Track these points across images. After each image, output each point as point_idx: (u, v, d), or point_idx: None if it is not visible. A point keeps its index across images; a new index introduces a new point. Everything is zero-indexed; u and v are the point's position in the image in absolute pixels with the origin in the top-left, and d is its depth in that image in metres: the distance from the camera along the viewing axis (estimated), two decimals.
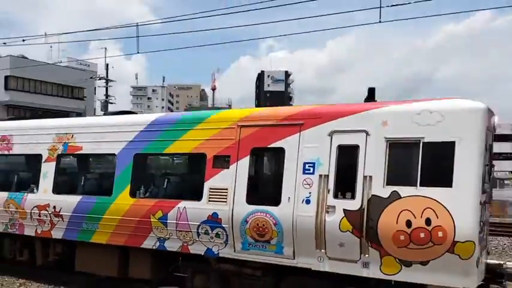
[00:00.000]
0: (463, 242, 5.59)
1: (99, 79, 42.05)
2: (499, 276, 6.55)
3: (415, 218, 5.83)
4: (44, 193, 9.27)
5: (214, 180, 7.38)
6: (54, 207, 8.97)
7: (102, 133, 8.83)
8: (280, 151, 7.03)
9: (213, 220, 7.27)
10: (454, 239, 5.62)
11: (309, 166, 6.66)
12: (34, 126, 10.24)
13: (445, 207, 5.70)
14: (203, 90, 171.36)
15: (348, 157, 6.46)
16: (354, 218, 6.18)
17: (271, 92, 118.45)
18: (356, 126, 6.45)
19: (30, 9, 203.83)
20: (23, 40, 18.82)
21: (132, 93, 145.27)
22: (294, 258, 6.67)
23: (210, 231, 7.32)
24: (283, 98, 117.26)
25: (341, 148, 6.53)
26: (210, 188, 7.39)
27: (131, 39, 17.44)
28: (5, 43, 19.87)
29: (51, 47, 74.24)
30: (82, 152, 9.16)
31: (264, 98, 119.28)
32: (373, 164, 6.22)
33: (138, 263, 8.24)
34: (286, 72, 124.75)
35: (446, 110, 5.99)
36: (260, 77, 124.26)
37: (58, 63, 56.75)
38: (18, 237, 9.84)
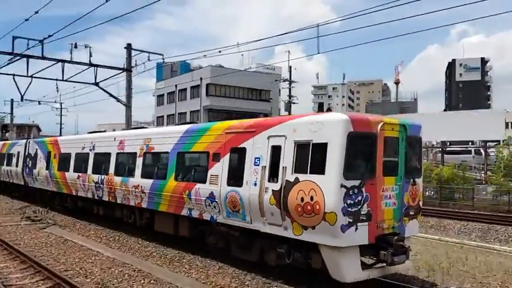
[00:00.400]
0: (329, 213, 7.95)
1: (283, 81, 44.27)
2: (390, 245, 8.38)
3: (305, 195, 8.31)
4: (137, 177, 13.46)
5: (212, 170, 10.60)
6: (142, 186, 13.06)
7: (163, 138, 12.90)
8: (244, 150, 9.92)
9: (211, 197, 10.47)
10: (324, 210, 7.99)
11: (257, 160, 9.49)
12: (134, 134, 14.94)
13: (320, 188, 8.11)
14: (385, 84, 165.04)
15: (275, 154, 9.14)
16: (277, 196, 8.84)
17: (464, 82, 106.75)
18: (280, 132, 9.18)
19: (224, 24, 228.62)
20: (219, 51, 20.91)
21: (313, 92, 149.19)
22: (251, 223, 9.54)
23: (210, 204, 10.54)
24: (479, 88, 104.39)
25: (272, 147, 9.24)
26: (211, 175, 10.62)
27: (312, 40, 17.76)
28: (205, 55, 22.41)
29: (242, 55, 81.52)
30: (154, 151, 13.25)
31: (456, 89, 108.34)
32: (287, 159, 8.83)
33: (181, 225, 12.04)
34: (482, 59, 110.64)
35: (323, 120, 8.56)
36: (451, 66, 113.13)
37: (248, 69, 62.05)
38: (126, 207, 14.45)
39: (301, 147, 8.66)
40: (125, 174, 14.16)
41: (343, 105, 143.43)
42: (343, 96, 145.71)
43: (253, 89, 62.95)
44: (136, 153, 13.77)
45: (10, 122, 49.39)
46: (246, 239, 10.04)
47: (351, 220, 8.05)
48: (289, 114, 41.49)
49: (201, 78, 59.34)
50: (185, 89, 64.95)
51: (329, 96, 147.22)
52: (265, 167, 9.24)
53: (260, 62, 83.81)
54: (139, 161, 13.59)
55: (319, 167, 8.22)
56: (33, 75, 19.95)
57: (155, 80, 72.47)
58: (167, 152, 12.40)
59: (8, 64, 19.40)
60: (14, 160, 24.39)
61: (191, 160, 12.44)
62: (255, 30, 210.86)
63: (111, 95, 22.48)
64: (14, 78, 20.05)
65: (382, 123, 8.61)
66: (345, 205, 7.98)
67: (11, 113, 47.96)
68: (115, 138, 15.46)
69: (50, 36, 18.10)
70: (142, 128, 17.71)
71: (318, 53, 19.37)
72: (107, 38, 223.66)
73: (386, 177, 8.70)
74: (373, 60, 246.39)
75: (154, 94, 75.54)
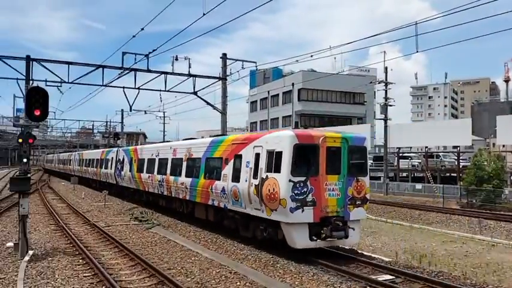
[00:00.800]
0: (282, 199, 11.42)
1: (378, 83, 42.70)
2: (330, 224, 11.65)
3: (271, 188, 11.79)
4: (182, 177, 17.66)
5: (224, 170, 14.42)
6: (185, 183, 17.28)
7: (198, 147, 17.04)
8: (241, 156, 13.57)
9: (223, 190, 14.23)
10: (279, 197, 11.46)
11: (247, 163, 13.04)
12: (182, 143, 19.57)
13: (278, 182, 11.61)
14: (493, 83, 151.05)
15: (257, 159, 12.62)
16: (257, 188, 12.33)
17: None
18: (259, 143, 12.77)
19: (316, 28, 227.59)
20: (311, 56, 20.82)
21: (412, 93, 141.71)
22: (245, 209, 13.09)
23: (223, 196, 14.27)
24: None
25: (255, 154, 12.73)
26: (223, 174, 14.43)
27: (410, 39, 16.90)
28: (297, 61, 22.52)
29: (335, 58, 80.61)
30: (193, 157, 17.23)
31: None
32: (263, 162, 12.32)
33: (209, 212, 16.16)
34: None
35: (280, 135, 12.41)
36: None
37: (341, 73, 60.98)
38: (178, 199, 18.65)
39: (269, 154, 12.27)
40: (176, 174, 18.42)
41: (445, 106, 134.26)
42: (445, 97, 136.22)
43: (346, 92, 61.67)
44: (182, 158, 18.10)
45: (121, 131, 54.12)
46: (244, 221, 13.79)
47: (298, 204, 11.52)
48: (385, 117, 39.91)
49: (292, 84, 59.57)
50: (277, 95, 65.72)
51: (429, 97, 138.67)
52: (251, 168, 12.87)
53: (353, 64, 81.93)
54: (184, 164, 17.84)
55: (277, 168, 11.85)
56: (140, 87, 21.57)
57: (249, 87, 74.40)
58: (200, 158, 16.51)
59: (118, 78, 21.18)
60: (109, 164, 29.78)
61: (213, 163, 15.76)
62: (348, 32, 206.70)
63: (208, 103, 23.55)
64: (123, 91, 21.80)
65: (323, 137, 11.98)
66: (293, 194, 11.48)
67: (122, 122, 52.58)
68: (171, 147, 19.87)
69: (154, 50, 19.50)
70: (190, 139, 21.22)
71: (417, 51, 18.34)
72: (204, 49, 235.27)
73: (329, 175, 11.96)
74: (478, 57, 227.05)
75: (247, 101, 77.66)
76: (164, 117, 60.84)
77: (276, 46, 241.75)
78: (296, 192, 11.47)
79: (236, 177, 13.52)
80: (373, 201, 30.43)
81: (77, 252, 12.37)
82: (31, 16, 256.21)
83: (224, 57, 23.39)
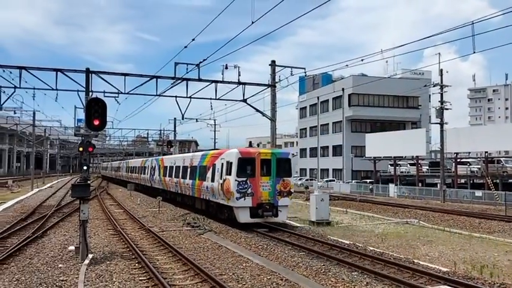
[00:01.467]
0: (231, 192, 17.82)
1: (433, 86, 41.14)
2: (262, 207, 18.01)
3: (227, 185, 18.20)
4: (188, 179, 24.11)
5: (207, 174, 20.68)
6: (189, 184, 23.72)
7: (196, 158, 23.59)
8: (215, 164, 19.92)
9: (207, 188, 20.59)
10: (231, 191, 17.83)
11: (218, 169, 19.40)
12: (189, 155, 25.85)
13: (230, 182, 17.97)
14: None
15: (222, 166, 19.00)
16: (222, 186, 18.68)
17: None
18: (223, 157, 19.32)
19: (366, 32, 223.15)
20: (362, 60, 20.50)
21: (470, 96, 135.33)
22: (218, 200, 19.50)
23: (207, 191, 20.71)
24: None
25: (221, 163, 19.12)
26: (207, 177, 20.68)
27: (467, 39, 16.22)
28: (347, 65, 22.21)
29: (386, 61, 78.44)
30: (193, 165, 23.48)
31: None
32: (225, 169, 18.67)
33: (202, 204, 22.58)
34: None
35: (231, 152, 18.93)
36: None
37: (393, 76, 59.33)
38: (187, 196, 25.38)
39: (227, 163, 18.64)
40: (184, 177, 24.96)
41: (506, 108, 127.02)
42: (506, 99, 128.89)
43: (399, 96, 60.00)
44: (187, 166, 24.73)
45: (174, 138, 55.66)
46: (219, 208, 20.22)
47: (242, 195, 17.79)
48: (441, 121, 38.38)
49: (342, 89, 58.85)
50: (327, 101, 65.05)
51: (489, 100, 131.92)
52: (219, 173, 19.24)
53: (406, 68, 79.46)
54: (188, 170, 24.38)
55: (230, 172, 18.19)
56: (192, 96, 22.14)
57: (298, 94, 74.18)
58: (196, 166, 23.12)
59: (171, 87, 21.87)
60: (146, 171, 37.02)
61: (202, 170, 21.99)
62: (400, 34, 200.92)
63: (257, 110, 23.72)
64: (176, 100, 22.47)
65: (258, 153, 18.46)
66: (238, 189, 17.75)
67: (174, 130, 54.05)
68: (182, 158, 26.74)
69: (204, 60, 20.00)
70: (198, 151, 30.58)
71: (474, 52, 17.53)
72: (253, 57, 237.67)
73: (263, 177, 18.15)
74: None
75: (297, 107, 77.42)
76: (215, 124, 61.89)
77: (325, 51, 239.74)
78: (240, 187, 17.95)
79: (213, 179, 20.09)
80: (429, 208, 29.33)
81: (133, 257, 12.81)
82: (90, 30, 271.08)
83: (273, 64, 23.52)
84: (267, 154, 18.52)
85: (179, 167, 26.34)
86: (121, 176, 52.75)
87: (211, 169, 20.39)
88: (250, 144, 24.70)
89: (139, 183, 40.32)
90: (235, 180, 17.77)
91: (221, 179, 18.83)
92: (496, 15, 16.62)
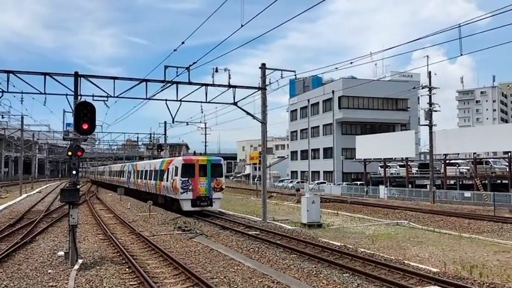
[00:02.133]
0: (178, 188, 24.46)
1: (422, 88, 41.55)
2: (200, 198, 24.67)
3: (175, 183, 24.87)
4: (152, 180, 30.29)
5: (164, 176, 27.15)
6: (153, 183, 30.09)
7: (157, 163, 30.07)
8: (169, 168, 26.29)
9: (164, 186, 27.12)
10: (177, 187, 24.44)
11: (170, 172, 25.89)
12: (153, 161, 32.94)
13: (177, 181, 24.56)
14: None
15: (173, 170, 25.53)
16: (172, 184, 25.37)
17: None
18: (173, 163, 26.04)
19: (355, 35, 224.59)
20: (351, 63, 20.56)
21: (458, 98, 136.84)
22: (170, 195, 26.24)
23: (165, 189, 27.12)
24: None
25: (172, 168, 25.68)
26: (164, 178, 27.12)
27: (455, 41, 16.38)
28: (336, 68, 22.33)
29: (376, 64, 79.07)
30: (156, 169, 29.66)
31: None
32: (175, 172, 25.12)
33: (163, 199, 28.56)
34: None
35: (178, 160, 26.19)
36: None
37: (382, 79, 59.75)
38: (151, 194, 30.59)
39: (175, 168, 24.80)
40: (151, 179, 30.86)
41: (494, 110, 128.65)
42: (494, 101, 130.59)
43: (388, 98, 60.39)
44: (153, 170, 30.58)
45: (164, 142, 55.42)
46: (172, 201, 26.27)
47: (185, 190, 24.11)
48: (430, 122, 38.73)
49: (333, 91, 59.09)
50: (317, 103, 65.30)
51: (477, 102, 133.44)
52: (171, 174, 25.23)
53: (395, 70, 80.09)
54: (153, 173, 30.23)
55: (177, 174, 24.44)
56: (182, 99, 21.99)
57: (288, 96, 74.33)
58: (157, 169, 29.12)
59: (161, 91, 21.68)
60: (124, 174, 43.12)
61: (161, 172, 27.96)
62: (389, 37, 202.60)
63: (248, 113, 23.71)
64: (166, 103, 22.25)
65: (197, 160, 25.07)
66: (182, 186, 24.04)
67: (165, 134, 53.78)
68: (149, 164, 33.04)
69: (194, 63, 19.89)
70: (158, 158, 37.51)
71: (461, 54, 17.71)
72: (243, 60, 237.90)
73: (200, 177, 24.39)
74: None
75: (287, 110, 77.60)
76: (205, 128, 61.80)
77: (315, 54, 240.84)
78: (183, 185, 24.26)
79: (167, 179, 26.31)
80: (419, 209, 29.55)
81: (124, 261, 12.72)
82: (79, 34, 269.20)
83: (263, 67, 23.56)
84: (204, 161, 25.33)
85: (147, 171, 32.50)
86: (105, 180, 58.83)
87: (166, 172, 26.86)
88: (195, 153, 35.25)
89: (118, 185, 44.96)
90: (180, 179, 24.32)
91: (172, 179, 25.48)
92: (483, 17, 16.88)
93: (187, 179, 24.33)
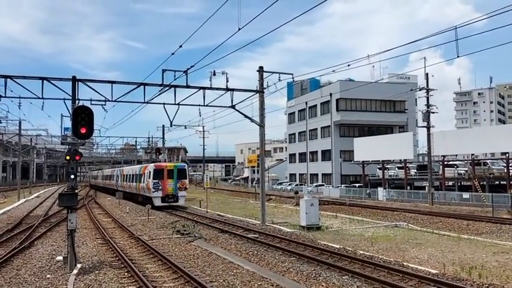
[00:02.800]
0: (150, 188, 31.91)
1: (419, 90, 41.63)
2: (168, 196, 32.01)
3: (149, 184, 31.97)
4: (134, 182, 37.18)
5: (142, 178, 34.29)
6: (134, 185, 36.80)
7: (137, 169, 38.07)
8: (145, 172, 33.52)
9: (142, 187, 34.23)
10: (150, 188, 31.88)
11: (146, 175, 33.02)
12: (135, 167, 41.35)
13: (150, 182, 31.91)
14: None
15: (148, 174, 32.43)
16: (147, 185, 32.34)
17: None
18: (148, 168, 33.38)
19: (353, 37, 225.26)
20: (348, 65, 20.62)
21: (456, 99, 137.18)
22: (146, 193, 33.06)
23: (142, 189, 34.18)
24: None
25: (147, 172, 32.99)
26: (141, 180, 34.36)
27: (452, 43, 16.44)
28: (333, 71, 22.30)
29: (373, 66, 79.27)
30: (136, 173, 37.11)
31: None
32: (150, 175, 32.00)
33: (141, 197, 35.38)
34: None
35: (151, 166, 33.52)
36: None
37: (380, 81, 59.90)
38: (134, 194, 37.55)
39: (148, 172, 32.23)
40: (132, 181, 37.50)
41: (491, 111, 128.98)
42: (491, 102, 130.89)
43: (386, 100, 60.48)
44: (135, 174, 36.88)
45: (162, 146, 55.41)
46: (147, 200, 31.78)
47: (156, 189, 31.39)
48: (428, 124, 38.81)
49: (330, 94, 59.22)
50: (315, 106, 65.38)
51: (474, 103, 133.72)
52: (147, 177, 32.39)
53: (392, 72, 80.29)
54: (134, 177, 36.76)
55: (150, 177, 31.73)
56: (180, 103, 22.03)
57: (286, 99, 74.42)
58: (137, 174, 35.76)
59: (159, 94, 21.71)
60: (113, 178, 49.70)
61: (140, 176, 34.49)
62: (386, 39, 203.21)
63: (246, 116, 23.73)
64: (164, 107, 22.27)
65: (166, 166, 33.05)
66: (154, 186, 31.32)
67: (163, 138, 53.81)
68: (132, 169, 40.21)
69: (192, 66, 19.94)
70: (156, 162, 41.29)
71: (458, 56, 17.78)
72: (240, 63, 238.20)
73: (168, 179, 31.78)
74: None
75: (285, 112, 77.64)
76: (204, 131, 62.02)
77: (312, 57, 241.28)
78: (155, 185, 31.13)
79: (144, 181, 32.75)
80: (418, 211, 29.57)
81: (123, 266, 12.68)
82: (76, 39, 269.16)
83: (261, 70, 23.59)
84: (171, 166, 33.08)
85: (131, 174, 39.47)
86: (99, 183, 64.19)
87: (144, 175, 33.57)
88: (165, 161, 44.74)
89: (110, 187, 52.08)
90: (152, 181, 31.35)
91: (146, 181, 32.39)
92: (479, 19, 16.94)
93: (157, 181, 31.49)
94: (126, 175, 41.43)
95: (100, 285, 10.51)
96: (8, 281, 11.03)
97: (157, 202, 31.17)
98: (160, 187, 31.37)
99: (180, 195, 32.16)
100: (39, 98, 17.82)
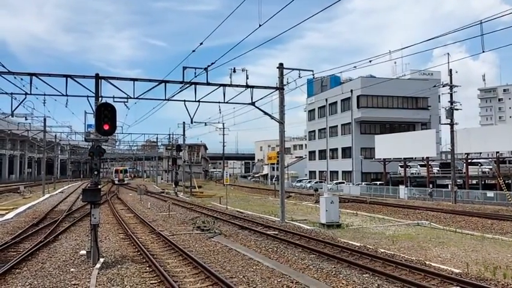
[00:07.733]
0: (113, 179, 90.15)
1: (443, 86, 40.84)
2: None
3: (113, 175, 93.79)
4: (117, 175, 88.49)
5: (115, 173, 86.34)
6: (115, 176, 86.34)
7: (117, 168, 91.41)
8: (117, 170, 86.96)
9: (115, 177, 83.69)
10: (113, 178, 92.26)
11: (114, 172, 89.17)
12: (118, 167, 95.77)
13: (113, 174, 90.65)
14: None
15: (115, 171, 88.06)
16: (114, 175, 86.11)
17: None
18: (116, 168, 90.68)
19: (374, 33, 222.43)
20: (370, 61, 20.34)
21: (480, 96, 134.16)
22: (116, 180, 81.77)
23: (115, 178, 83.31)
24: None
25: (115, 170, 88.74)
26: (114, 174, 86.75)
27: (477, 38, 16.08)
28: (355, 67, 22.11)
29: (395, 62, 78.14)
30: (116, 170, 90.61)
31: None
32: (114, 171, 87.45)
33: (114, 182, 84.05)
34: None
35: (115, 168, 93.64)
36: None
37: (402, 77, 58.97)
38: (114, 181, 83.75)
39: (115, 170, 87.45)
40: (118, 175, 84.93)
41: None
42: None
43: (408, 97, 59.57)
44: (114, 171, 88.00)
45: (183, 142, 55.86)
46: (113, 182, 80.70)
47: (116, 178, 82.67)
48: (451, 121, 38.06)
49: (351, 90, 58.62)
50: (335, 103, 64.87)
51: (499, 100, 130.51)
52: (114, 172, 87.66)
53: (415, 68, 78.93)
54: (115, 172, 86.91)
55: (116, 172, 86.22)
56: (200, 100, 22.15)
57: (306, 96, 74.01)
58: (116, 170, 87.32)
59: (179, 92, 21.87)
60: (113, 173, 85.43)
61: (116, 171, 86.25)
62: (408, 35, 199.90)
63: (265, 113, 23.70)
64: (185, 104, 22.44)
65: (120, 168, 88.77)
66: (115, 176, 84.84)
67: (183, 134, 54.21)
68: (116, 168, 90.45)
69: (212, 63, 20.01)
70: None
71: (483, 51, 17.40)
72: (260, 60, 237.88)
73: (120, 173, 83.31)
74: None
75: (305, 109, 77.29)
76: (223, 128, 62.23)
77: (332, 53, 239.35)
78: (115, 176, 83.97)
79: (116, 174, 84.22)
80: (441, 210, 29.08)
81: (144, 260, 12.86)
82: (98, 37, 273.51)
83: (281, 66, 23.52)
84: (121, 168, 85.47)
85: (116, 170, 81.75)
86: (110, 177, 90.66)
87: (117, 172, 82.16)
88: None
89: (114, 179, 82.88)
90: (115, 174, 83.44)
91: (115, 174, 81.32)
92: (507, 13, 16.47)
93: (117, 174, 79.97)
94: (114, 171, 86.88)
95: (122, 279, 10.68)
96: (33, 274, 11.32)
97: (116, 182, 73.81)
98: (117, 177, 78.84)
99: (126, 181, 75.19)
100: (63, 95, 18.16)
